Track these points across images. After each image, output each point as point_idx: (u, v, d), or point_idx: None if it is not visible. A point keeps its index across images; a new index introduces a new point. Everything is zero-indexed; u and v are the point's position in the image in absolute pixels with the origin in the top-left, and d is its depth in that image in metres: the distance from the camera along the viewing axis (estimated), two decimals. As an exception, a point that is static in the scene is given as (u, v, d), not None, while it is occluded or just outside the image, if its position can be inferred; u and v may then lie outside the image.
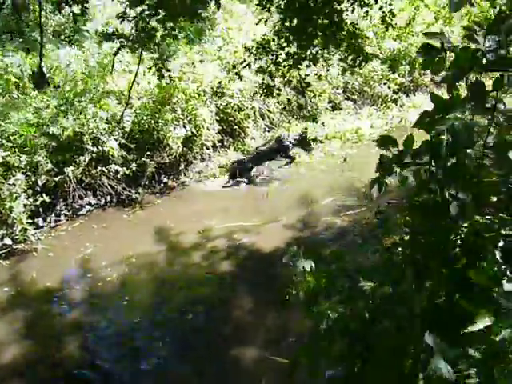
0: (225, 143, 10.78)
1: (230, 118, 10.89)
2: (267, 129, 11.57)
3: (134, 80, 8.04)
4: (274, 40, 6.99)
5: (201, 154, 10.35)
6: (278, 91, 7.55)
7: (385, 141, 2.97)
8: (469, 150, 2.54)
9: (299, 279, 3.53)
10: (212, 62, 11.09)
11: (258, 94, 7.75)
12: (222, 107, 10.63)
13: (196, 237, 8.06)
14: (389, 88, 13.77)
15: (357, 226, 8.26)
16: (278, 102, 11.74)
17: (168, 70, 7.26)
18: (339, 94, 13.23)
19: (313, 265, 3.32)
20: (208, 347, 5.85)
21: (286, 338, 5.82)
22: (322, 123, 9.87)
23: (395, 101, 13.70)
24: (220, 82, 7.81)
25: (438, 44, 2.45)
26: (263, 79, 7.40)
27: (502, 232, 2.84)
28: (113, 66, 8.97)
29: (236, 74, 7.54)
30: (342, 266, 3.43)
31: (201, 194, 9.62)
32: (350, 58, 7.25)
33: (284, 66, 7.09)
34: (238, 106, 10.81)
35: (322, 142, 7.93)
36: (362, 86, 13.63)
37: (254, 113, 11.25)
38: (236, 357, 5.76)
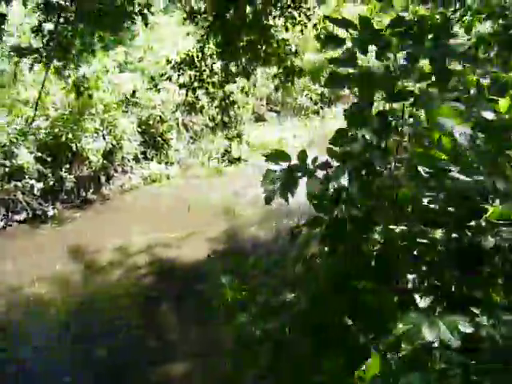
0: (148, 155, 10.56)
1: (153, 130, 10.69)
2: (191, 141, 11.44)
3: (41, 91, 7.65)
4: (198, 56, 6.89)
5: (122, 166, 10.08)
6: (201, 108, 7.45)
7: (276, 155, 2.97)
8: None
9: (219, 293, 3.48)
10: (132, 71, 10.86)
11: (185, 109, 7.54)
12: (144, 118, 10.42)
13: (117, 252, 7.80)
14: (311, 99, 14.06)
15: (282, 237, 8.32)
16: (201, 113, 11.65)
17: (86, 88, 7.01)
18: (262, 105, 13.36)
19: (231, 279, 3.28)
20: (132, 367, 5.65)
21: (213, 352, 5.72)
22: (247, 142, 9.88)
23: (317, 112, 14.02)
24: (134, 92, 7.59)
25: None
26: (186, 95, 7.27)
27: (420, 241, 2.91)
28: (15, 77, 8.54)
29: (154, 85, 7.38)
30: (263, 279, 3.43)
31: (122, 207, 9.34)
32: (281, 74, 7.27)
33: (208, 83, 7.01)
34: (160, 117, 10.63)
35: (245, 160, 7.90)
36: (285, 98, 13.82)
37: (178, 124, 11.11)
38: (162, 375, 5.60)
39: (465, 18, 4.72)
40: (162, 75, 7.34)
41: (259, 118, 13.31)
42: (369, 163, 2.70)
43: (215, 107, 7.56)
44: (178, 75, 6.94)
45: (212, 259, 6.91)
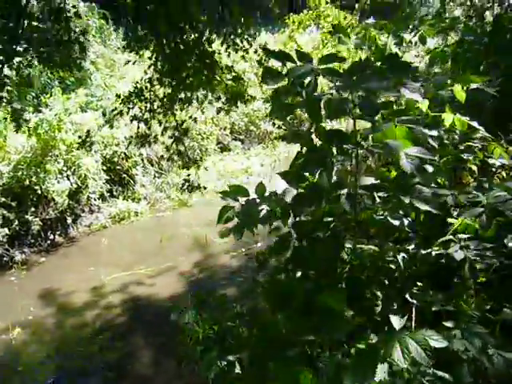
0: (114, 193, 10.51)
1: (118, 167, 10.67)
2: (157, 175, 11.45)
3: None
4: (146, 87, 6.95)
5: (89, 205, 10.00)
6: (154, 139, 7.48)
7: (232, 191, 3.03)
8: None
9: (189, 330, 3.48)
10: (93, 110, 10.87)
11: (138, 141, 7.53)
12: (108, 156, 10.40)
13: (89, 294, 7.69)
14: (274, 125, 14.25)
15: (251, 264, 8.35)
16: (166, 148, 11.73)
17: (25, 121, 6.93)
18: (227, 135, 13.50)
19: (199, 315, 3.29)
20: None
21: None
22: (205, 167, 9.93)
23: (281, 137, 14.20)
24: (88, 132, 7.53)
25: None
26: (138, 128, 7.31)
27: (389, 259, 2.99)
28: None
29: (107, 121, 7.35)
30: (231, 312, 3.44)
31: (91, 248, 9.23)
32: (225, 99, 7.40)
33: (159, 113, 7.06)
34: (124, 153, 10.61)
35: (204, 187, 7.92)
36: (248, 126, 14.00)
37: (142, 160, 11.13)
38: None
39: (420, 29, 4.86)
40: (112, 110, 7.33)
41: (224, 148, 13.44)
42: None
43: (169, 137, 7.59)
44: (129, 108, 6.95)
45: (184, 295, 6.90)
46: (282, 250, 2.93)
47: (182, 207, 10.78)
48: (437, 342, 2.00)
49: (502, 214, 2.65)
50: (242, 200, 3.00)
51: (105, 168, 10.31)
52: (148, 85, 6.89)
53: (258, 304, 3.39)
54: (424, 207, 2.48)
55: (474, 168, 3.56)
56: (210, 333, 3.02)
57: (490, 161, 3.48)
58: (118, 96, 7.03)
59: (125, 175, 10.72)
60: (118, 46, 14.08)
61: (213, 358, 2.90)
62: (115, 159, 10.54)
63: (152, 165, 11.38)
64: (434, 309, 2.78)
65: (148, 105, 6.96)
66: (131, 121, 7.13)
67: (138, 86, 6.94)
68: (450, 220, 2.95)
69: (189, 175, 7.66)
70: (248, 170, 12.31)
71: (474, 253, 2.67)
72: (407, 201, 2.49)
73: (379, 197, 2.70)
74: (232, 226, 2.90)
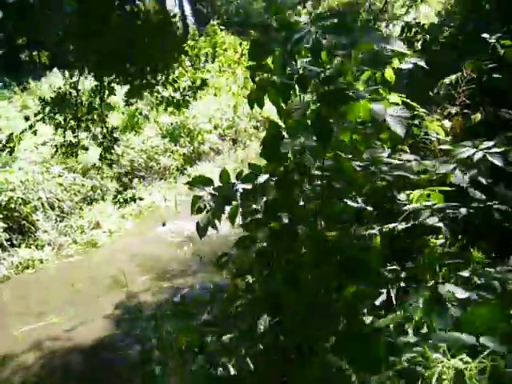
0: (14, 241, 9.72)
1: (16, 214, 9.92)
2: (59, 219, 10.80)
3: None
4: (70, 93, 6.58)
5: (-14, 257, 9.16)
6: (84, 150, 7.08)
7: (198, 181, 3.02)
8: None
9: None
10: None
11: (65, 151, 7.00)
12: (3, 203, 9.65)
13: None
14: (174, 160, 14.19)
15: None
16: (65, 190, 11.17)
17: None
18: (127, 172, 13.16)
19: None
20: None
21: None
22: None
23: (181, 171, 14.16)
24: None
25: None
26: (64, 137, 6.86)
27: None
28: None
29: (30, 127, 6.72)
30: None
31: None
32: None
33: (87, 120, 6.70)
34: (22, 198, 9.94)
35: (140, 198, 7.67)
36: (148, 162, 13.77)
37: (42, 204, 10.45)
38: None
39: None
40: (35, 115, 6.76)
41: (125, 187, 13.06)
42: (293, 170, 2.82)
43: (98, 145, 7.23)
44: (54, 113, 6.52)
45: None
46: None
47: (90, 250, 10.24)
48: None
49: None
50: (209, 189, 2.95)
51: (1, 216, 9.54)
52: (73, 90, 6.53)
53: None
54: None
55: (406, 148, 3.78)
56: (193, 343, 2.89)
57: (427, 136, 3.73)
58: (42, 100, 6.52)
59: (24, 221, 9.98)
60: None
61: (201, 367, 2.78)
62: (12, 205, 9.81)
63: (53, 208, 10.72)
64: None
65: (73, 112, 6.57)
66: (56, 128, 6.68)
67: (61, 90, 6.55)
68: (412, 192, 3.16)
69: (121, 185, 7.31)
70: (153, 205, 12.09)
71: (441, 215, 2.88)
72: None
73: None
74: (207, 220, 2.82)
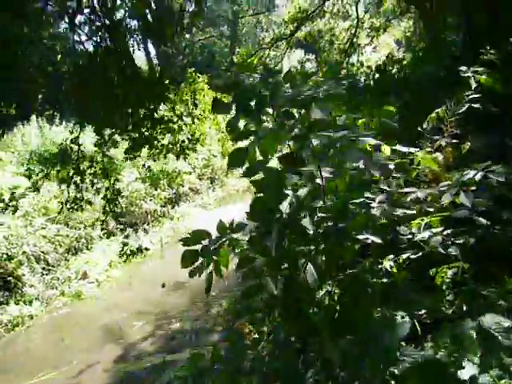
0: (1, 298, 9.49)
1: (1, 270, 9.72)
2: (44, 272, 10.61)
3: None
4: (71, 148, 6.60)
5: (-27, 318, 8.90)
6: (88, 203, 7.06)
7: (193, 238, 3.06)
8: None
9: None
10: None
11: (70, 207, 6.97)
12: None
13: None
14: (155, 204, 14.19)
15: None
16: (50, 242, 11.03)
17: None
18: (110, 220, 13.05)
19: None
20: None
21: None
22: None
23: (163, 214, 14.17)
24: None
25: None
26: (68, 192, 6.85)
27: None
28: None
29: (33, 184, 6.69)
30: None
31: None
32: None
33: (90, 174, 6.71)
34: (6, 254, 9.77)
35: (146, 249, 7.65)
36: (130, 207, 13.72)
37: (28, 257, 10.28)
38: None
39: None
40: (38, 173, 6.73)
41: (108, 234, 12.93)
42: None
43: (101, 198, 7.22)
44: (58, 170, 6.52)
45: None
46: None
47: (78, 301, 10.07)
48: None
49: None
50: (205, 242, 2.98)
51: (-15, 274, 9.36)
52: (75, 146, 6.55)
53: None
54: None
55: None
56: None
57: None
58: (44, 158, 6.55)
59: (10, 277, 9.78)
60: None
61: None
62: (-4, 262, 9.64)
63: (38, 261, 10.55)
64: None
65: (75, 166, 6.58)
66: (59, 183, 6.68)
67: (62, 146, 6.58)
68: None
69: (127, 237, 7.29)
70: (143, 251, 11.99)
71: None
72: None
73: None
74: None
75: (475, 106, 4.84)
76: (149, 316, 9.12)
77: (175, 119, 6.94)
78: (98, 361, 7.77)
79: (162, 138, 6.82)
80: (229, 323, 7.80)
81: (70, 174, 6.67)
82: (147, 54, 28.04)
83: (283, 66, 15.42)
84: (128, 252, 7.32)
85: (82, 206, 7.05)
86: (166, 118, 6.84)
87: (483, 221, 3.38)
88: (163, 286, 10.30)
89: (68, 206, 6.99)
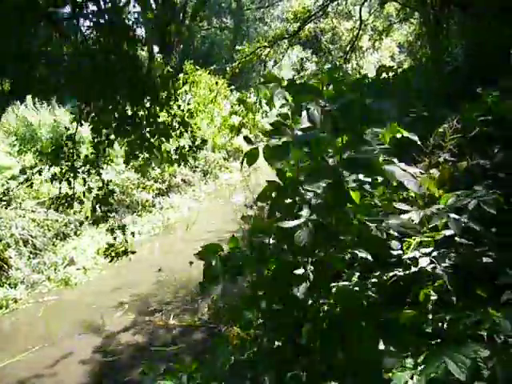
0: (-14, 280, 9.46)
1: (-13, 252, 9.70)
2: (31, 256, 10.57)
3: None
4: (66, 144, 6.57)
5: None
6: (79, 201, 7.02)
7: (209, 250, 3.09)
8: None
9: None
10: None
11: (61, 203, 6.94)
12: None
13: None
14: (148, 193, 14.18)
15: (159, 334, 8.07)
16: (38, 225, 10.99)
17: None
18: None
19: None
20: None
21: None
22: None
23: (154, 205, 14.16)
24: None
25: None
26: (60, 189, 6.82)
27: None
28: None
29: (26, 180, 6.66)
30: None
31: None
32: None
33: (83, 172, 6.69)
34: (-7, 236, 9.74)
35: (132, 252, 7.61)
36: (120, 195, 13.68)
37: (16, 241, 10.24)
38: None
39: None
40: (31, 168, 6.70)
41: (96, 221, 12.88)
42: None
43: (93, 198, 7.19)
44: (50, 165, 6.50)
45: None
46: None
47: (64, 288, 10.04)
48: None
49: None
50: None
51: (-29, 256, 9.31)
52: (69, 142, 6.52)
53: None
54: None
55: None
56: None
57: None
58: (39, 152, 6.52)
59: (-3, 259, 9.75)
60: None
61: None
62: (-17, 244, 9.59)
63: (25, 245, 10.51)
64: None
65: (69, 164, 6.54)
66: (52, 180, 6.65)
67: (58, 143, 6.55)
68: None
69: (115, 238, 7.26)
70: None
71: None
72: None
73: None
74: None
75: (486, 128, 4.86)
76: (133, 305, 9.13)
77: (176, 126, 6.89)
78: (75, 350, 7.75)
79: (162, 144, 6.77)
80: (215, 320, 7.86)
81: (63, 171, 6.67)
82: (147, 42, 27.85)
83: (283, 64, 15.38)
84: (113, 254, 7.26)
85: (73, 204, 7.02)
86: (166, 122, 6.79)
87: (466, 241, 3.45)
88: (159, 270, 10.52)
89: (58, 203, 6.97)
